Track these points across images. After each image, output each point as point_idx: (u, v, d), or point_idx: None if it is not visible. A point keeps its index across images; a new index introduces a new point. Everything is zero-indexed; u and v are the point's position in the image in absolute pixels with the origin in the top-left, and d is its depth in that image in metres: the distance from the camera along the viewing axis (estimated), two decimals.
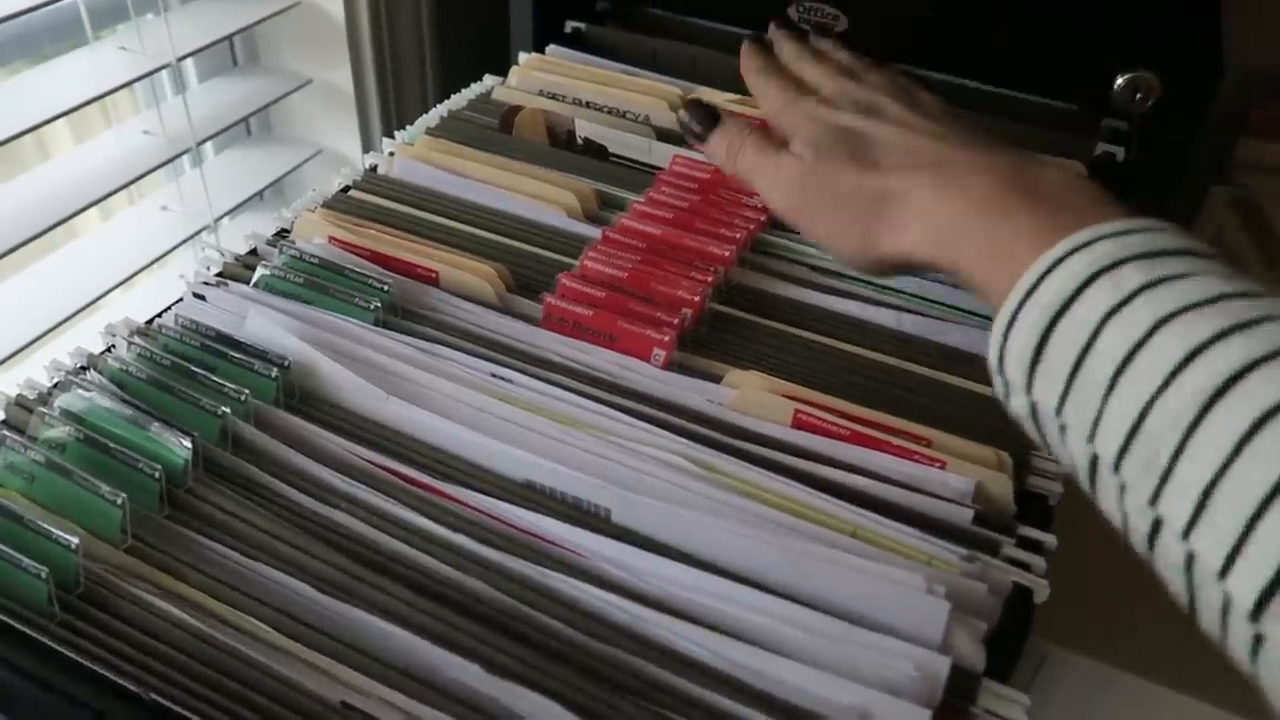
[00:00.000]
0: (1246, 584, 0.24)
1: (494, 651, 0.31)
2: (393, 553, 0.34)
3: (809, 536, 0.34)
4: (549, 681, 0.30)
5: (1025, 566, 0.34)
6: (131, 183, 0.61)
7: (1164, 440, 0.26)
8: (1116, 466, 0.28)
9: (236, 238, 0.48)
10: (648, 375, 0.41)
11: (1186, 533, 0.25)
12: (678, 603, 0.33)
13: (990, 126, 0.41)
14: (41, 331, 0.56)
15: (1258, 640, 0.24)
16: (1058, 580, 0.35)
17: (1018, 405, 0.32)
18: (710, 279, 0.44)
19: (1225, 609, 0.25)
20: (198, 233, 0.68)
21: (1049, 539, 0.36)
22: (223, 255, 0.47)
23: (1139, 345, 0.27)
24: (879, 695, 0.29)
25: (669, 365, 0.41)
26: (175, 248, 0.66)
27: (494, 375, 0.40)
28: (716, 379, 0.41)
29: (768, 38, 0.48)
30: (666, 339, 0.41)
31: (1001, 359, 0.31)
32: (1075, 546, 0.38)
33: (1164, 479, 0.26)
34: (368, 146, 0.78)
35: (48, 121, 0.54)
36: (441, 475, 0.37)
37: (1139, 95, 0.57)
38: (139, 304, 0.64)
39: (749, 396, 0.40)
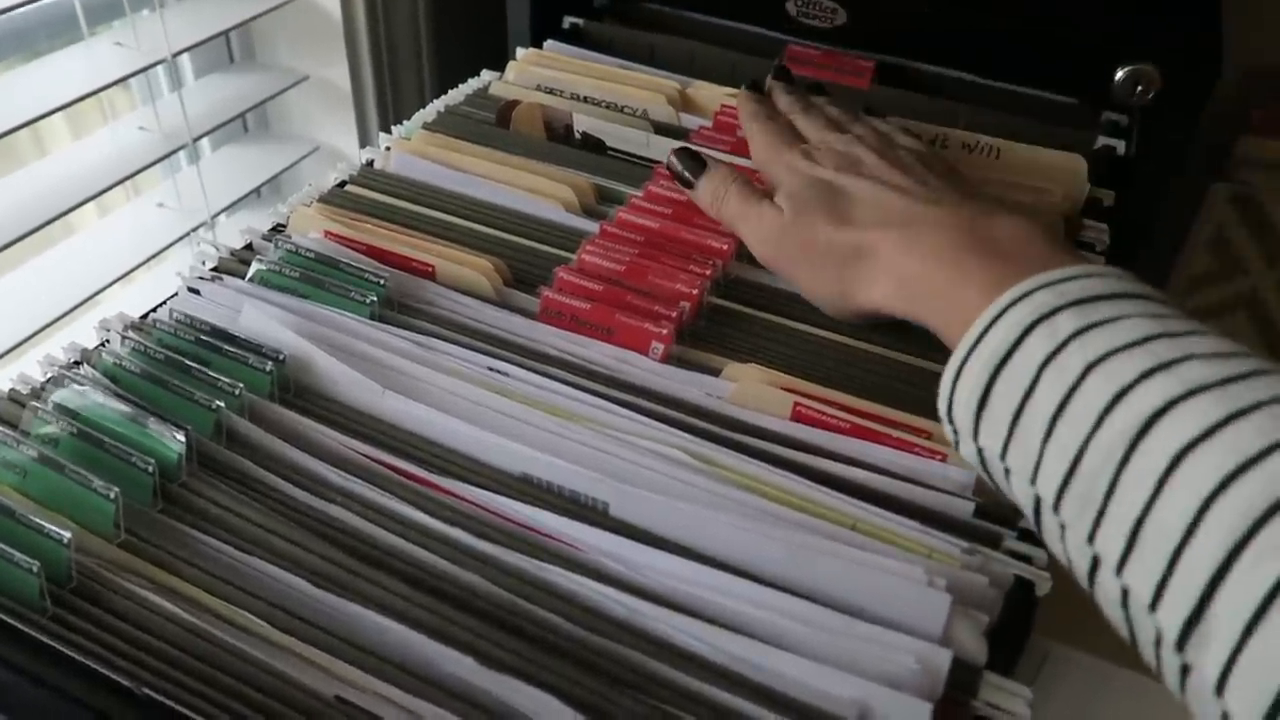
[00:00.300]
0: (1172, 615, 0.25)
1: (490, 645, 0.31)
2: (388, 547, 0.34)
3: (808, 530, 0.34)
4: (546, 675, 0.30)
5: (1027, 559, 0.34)
6: (128, 178, 0.61)
7: (1098, 478, 0.27)
8: (1057, 507, 0.28)
9: (234, 234, 0.48)
10: (645, 369, 0.41)
11: (1120, 568, 0.26)
12: (676, 596, 0.32)
13: (964, 174, 0.43)
14: (38, 327, 0.56)
15: (1185, 670, 0.25)
16: (1059, 576, 0.34)
17: (966, 451, 0.33)
18: (708, 272, 0.44)
19: (1157, 641, 0.25)
20: (195, 229, 0.68)
21: None
22: (218, 250, 0.46)
23: (1073, 389, 0.28)
24: (879, 688, 0.29)
25: (667, 359, 0.41)
26: (172, 244, 0.66)
27: (491, 369, 0.40)
28: (715, 372, 0.41)
29: (766, 87, 0.53)
30: (664, 332, 0.41)
31: (950, 406, 0.33)
32: None
33: (1099, 516, 0.27)
34: (365, 142, 0.78)
35: (42, 117, 0.54)
36: (438, 469, 0.36)
37: (1139, 88, 0.57)
38: (136, 300, 0.64)
39: (748, 390, 0.39)
